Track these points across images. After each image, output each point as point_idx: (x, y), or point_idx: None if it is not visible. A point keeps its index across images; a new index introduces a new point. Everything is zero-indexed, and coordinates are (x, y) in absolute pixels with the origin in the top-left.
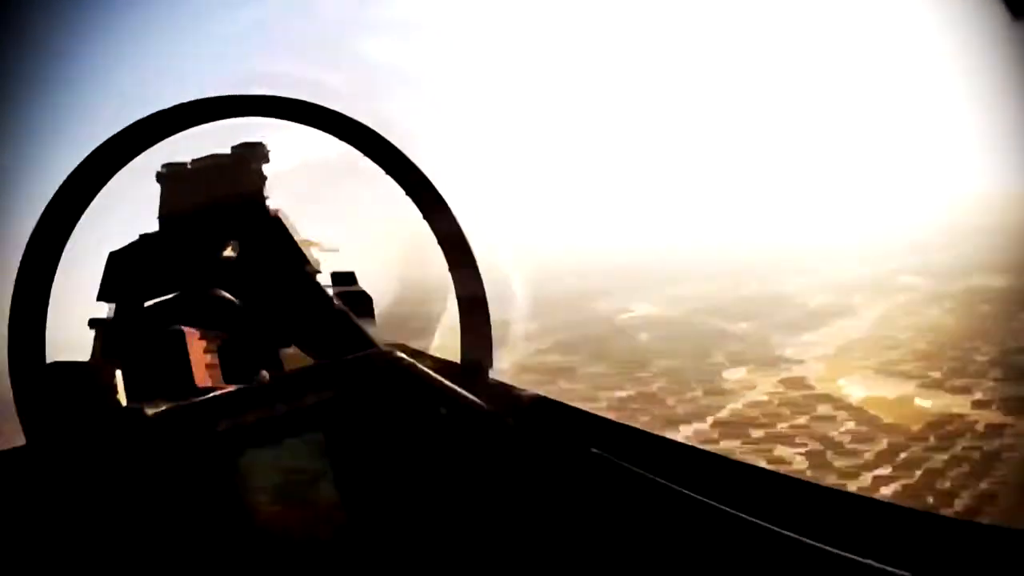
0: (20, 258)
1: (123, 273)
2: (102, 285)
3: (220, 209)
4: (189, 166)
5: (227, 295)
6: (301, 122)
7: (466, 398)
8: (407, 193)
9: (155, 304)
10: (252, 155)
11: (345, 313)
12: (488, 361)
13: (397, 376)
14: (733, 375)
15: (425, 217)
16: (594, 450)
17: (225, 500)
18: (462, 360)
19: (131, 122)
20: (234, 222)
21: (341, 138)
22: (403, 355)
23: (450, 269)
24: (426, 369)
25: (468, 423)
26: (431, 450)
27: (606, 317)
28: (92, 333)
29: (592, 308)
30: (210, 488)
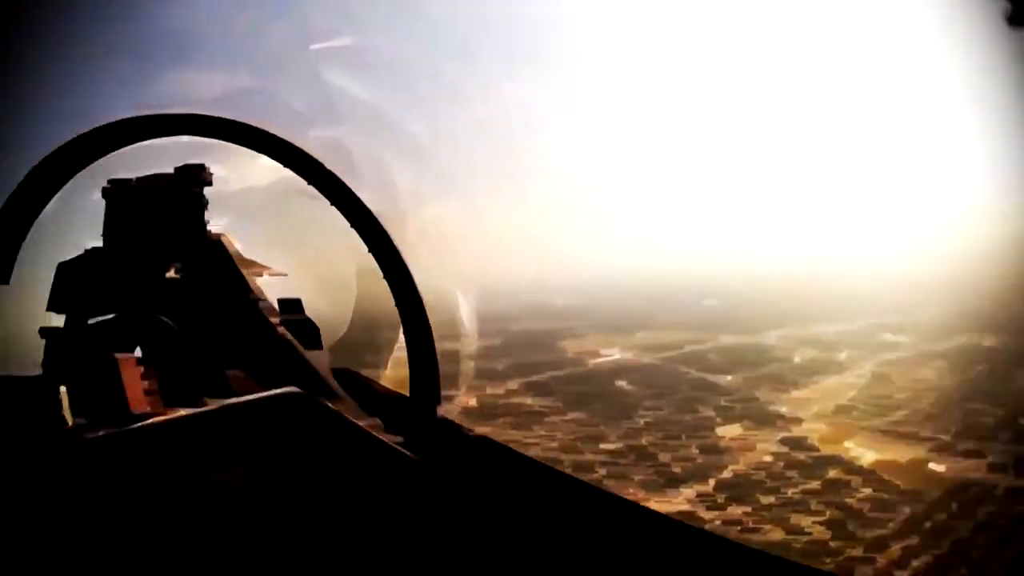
0: None
1: (71, 285)
2: (51, 296)
3: (162, 230)
4: (133, 183)
5: (166, 320)
6: (245, 146)
7: (379, 440)
8: (351, 225)
9: (96, 323)
10: (194, 177)
11: (288, 342)
12: (436, 397)
13: (312, 416)
14: (728, 431)
15: (370, 250)
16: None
17: (150, 524)
18: (411, 393)
19: (76, 135)
20: (176, 244)
21: (286, 165)
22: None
23: (396, 303)
24: (338, 410)
25: (381, 464)
26: (344, 487)
27: (577, 359)
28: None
29: (561, 348)
30: (135, 511)
